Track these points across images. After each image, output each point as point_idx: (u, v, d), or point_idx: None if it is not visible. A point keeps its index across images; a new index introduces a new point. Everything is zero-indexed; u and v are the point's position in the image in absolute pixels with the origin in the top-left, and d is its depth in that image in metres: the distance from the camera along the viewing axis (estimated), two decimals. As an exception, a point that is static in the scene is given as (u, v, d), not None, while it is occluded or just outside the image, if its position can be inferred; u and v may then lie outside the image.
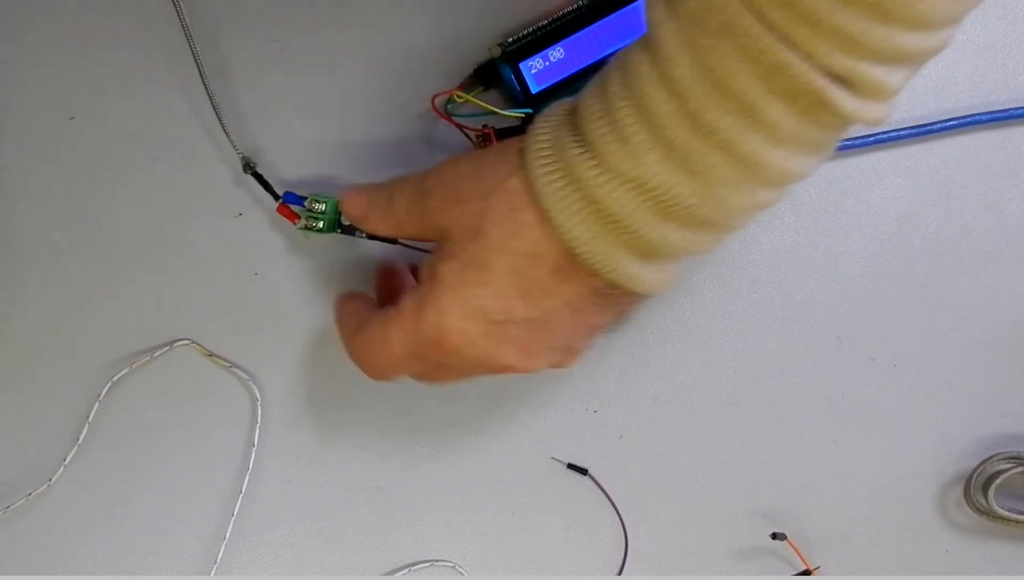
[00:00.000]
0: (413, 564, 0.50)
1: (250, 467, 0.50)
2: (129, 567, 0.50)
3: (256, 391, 0.50)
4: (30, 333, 0.49)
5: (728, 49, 0.32)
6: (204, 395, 0.50)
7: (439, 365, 0.40)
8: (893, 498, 0.50)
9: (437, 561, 0.50)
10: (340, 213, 0.47)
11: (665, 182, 0.34)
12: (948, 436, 0.50)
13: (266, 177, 0.48)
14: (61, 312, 0.49)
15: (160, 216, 0.49)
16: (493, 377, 0.40)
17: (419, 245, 0.46)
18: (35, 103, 0.49)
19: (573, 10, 0.47)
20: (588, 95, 0.37)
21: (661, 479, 0.50)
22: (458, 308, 0.37)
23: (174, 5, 0.46)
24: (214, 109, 0.47)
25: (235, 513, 0.49)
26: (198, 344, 0.49)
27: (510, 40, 0.47)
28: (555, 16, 0.47)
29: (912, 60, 0.32)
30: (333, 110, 0.49)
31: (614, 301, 0.39)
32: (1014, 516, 0.48)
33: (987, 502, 0.48)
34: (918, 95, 0.49)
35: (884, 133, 0.48)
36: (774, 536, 0.49)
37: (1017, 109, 0.48)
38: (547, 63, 0.47)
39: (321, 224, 0.47)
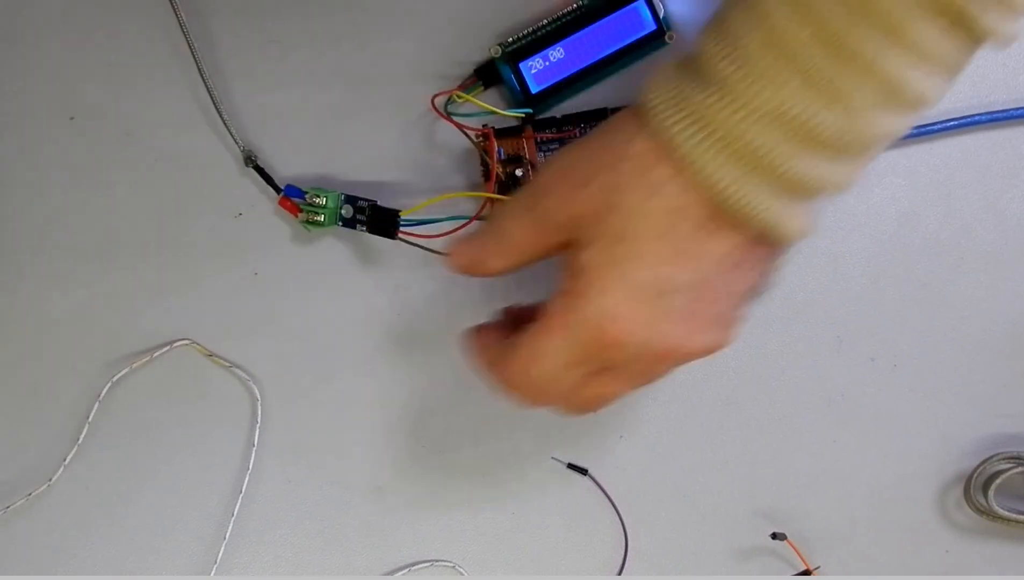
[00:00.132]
0: (413, 564, 0.50)
1: (250, 467, 0.50)
2: (129, 567, 0.50)
3: (256, 391, 0.50)
4: (30, 333, 0.49)
5: None
6: (204, 395, 0.50)
7: (600, 370, 0.37)
8: (893, 498, 0.50)
9: (437, 561, 0.50)
10: (341, 206, 0.47)
11: (807, 110, 0.33)
12: (948, 436, 0.50)
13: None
14: (61, 312, 0.49)
15: (160, 216, 0.49)
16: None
17: (423, 244, 0.46)
18: (35, 103, 0.49)
19: (573, 10, 0.47)
20: (704, 42, 0.35)
21: (661, 479, 0.50)
22: (615, 290, 0.35)
23: (171, 5, 0.46)
24: (215, 105, 0.47)
25: (235, 513, 0.49)
26: (198, 344, 0.49)
27: (510, 40, 0.47)
28: (555, 16, 0.47)
29: None
30: (333, 110, 0.49)
31: (760, 258, 0.37)
32: (1014, 516, 0.48)
33: (987, 502, 0.48)
34: (918, 95, 0.49)
35: (884, 133, 0.48)
36: (774, 536, 0.49)
37: (1017, 109, 0.48)
38: (547, 63, 0.47)
39: (322, 217, 0.47)
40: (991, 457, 0.49)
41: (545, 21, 0.47)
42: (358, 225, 0.47)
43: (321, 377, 0.50)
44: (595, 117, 0.48)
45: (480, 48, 0.48)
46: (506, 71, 0.47)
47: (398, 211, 0.46)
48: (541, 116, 0.48)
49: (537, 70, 0.47)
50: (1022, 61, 0.49)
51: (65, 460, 0.49)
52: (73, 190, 0.49)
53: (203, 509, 0.50)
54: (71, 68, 0.49)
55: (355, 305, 0.50)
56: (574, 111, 0.48)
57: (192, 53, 0.47)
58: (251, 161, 0.48)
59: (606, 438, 0.50)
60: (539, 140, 0.48)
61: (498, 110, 0.47)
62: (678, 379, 0.50)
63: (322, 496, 0.50)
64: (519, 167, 0.47)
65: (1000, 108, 0.49)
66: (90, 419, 0.49)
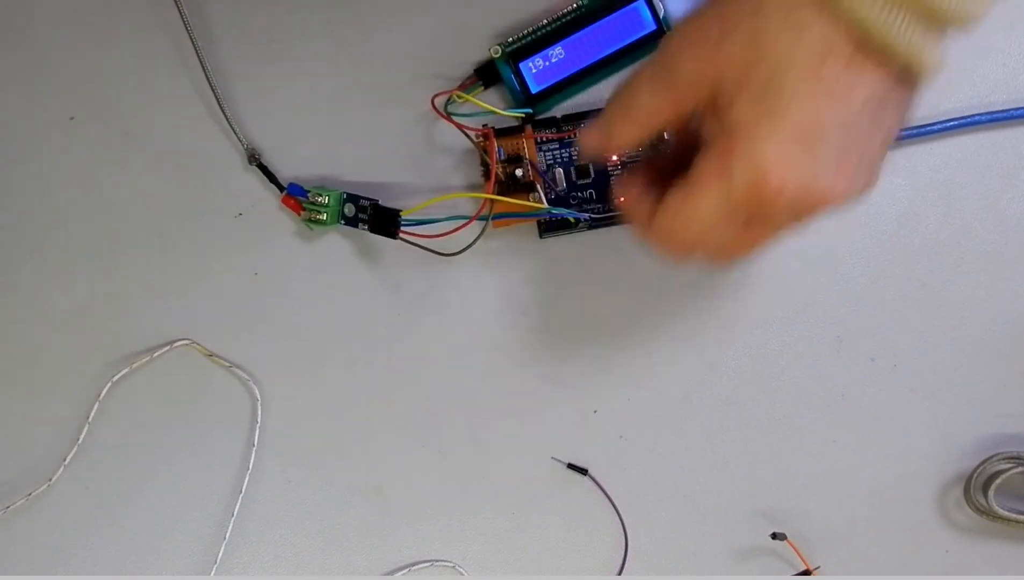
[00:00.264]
0: (413, 564, 0.50)
1: (250, 467, 0.50)
2: (129, 567, 0.50)
3: (256, 391, 0.50)
4: (30, 333, 0.49)
5: None
6: (204, 395, 0.50)
7: (750, 222, 0.37)
8: (893, 498, 0.50)
9: (437, 561, 0.50)
10: (343, 205, 0.47)
11: None
12: (948, 436, 0.50)
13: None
14: (61, 312, 0.49)
15: (160, 216, 0.49)
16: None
17: (424, 244, 0.46)
18: (35, 103, 0.49)
19: (573, 10, 0.47)
20: None
21: (661, 479, 0.50)
22: (768, 141, 0.35)
23: (177, 6, 0.46)
24: (219, 104, 0.48)
25: (235, 513, 0.49)
26: (198, 344, 0.49)
27: (510, 40, 0.47)
28: (555, 16, 0.47)
29: None
30: (333, 110, 0.49)
31: (901, 99, 0.37)
32: (1014, 516, 0.48)
33: (987, 502, 0.48)
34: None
35: (884, 133, 0.48)
36: (774, 536, 0.49)
37: (1017, 109, 0.48)
38: (547, 63, 0.47)
39: (324, 216, 0.47)
40: (991, 457, 0.49)
41: (545, 21, 0.47)
42: (360, 224, 0.47)
43: (321, 377, 0.50)
44: (595, 117, 0.48)
45: (480, 48, 0.48)
46: (506, 71, 0.48)
47: (399, 211, 0.46)
48: (541, 116, 0.48)
49: (537, 70, 0.47)
50: (1022, 61, 0.49)
51: (65, 460, 0.49)
52: (73, 190, 0.49)
53: (203, 509, 0.50)
54: (71, 68, 0.49)
55: (355, 305, 0.50)
56: (574, 111, 0.48)
57: (196, 53, 0.47)
58: (255, 159, 0.48)
59: (606, 438, 0.50)
60: (539, 140, 0.48)
61: (498, 110, 0.47)
62: (678, 379, 0.50)
63: (322, 496, 0.50)
64: (519, 167, 0.47)
65: (1000, 108, 0.49)
66: (90, 419, 0.49)
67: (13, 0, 0.49)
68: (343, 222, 0.47)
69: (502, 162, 0.47)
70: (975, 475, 0.49)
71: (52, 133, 0.49)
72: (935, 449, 0.50)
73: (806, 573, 0.49)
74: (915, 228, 0.49)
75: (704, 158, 0.37)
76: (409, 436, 0.50)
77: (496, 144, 0.47)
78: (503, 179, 0.47)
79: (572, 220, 0.48)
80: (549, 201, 0.48)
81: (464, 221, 0.46)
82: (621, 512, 0.50)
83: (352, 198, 0.47)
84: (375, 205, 0.46)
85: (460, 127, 0.47)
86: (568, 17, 0.47)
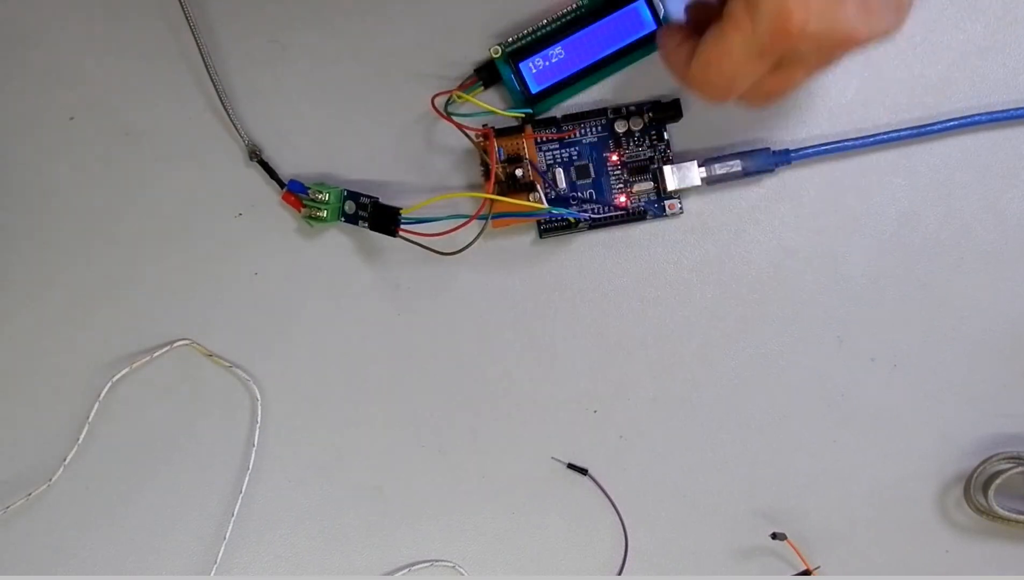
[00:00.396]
0: (413, 564, 0.50)
1: (250, 467, 0.50)
2: (129, 567, 0.50)
3: (256, 391, 0.50)
4: (30, 333, 0.49)
5: None
6: (204, 395, 0.50)
7: (780, 63, 0.39)
8: (893, 498, 0.50)
9: (437, 561, 0.50)
10: (343, 202, 0.47)
11: None
12: (948, 436, 0.50)
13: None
14: (61, 312, 0.49)
15: (160, 216, 0.49)
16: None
17: (424, 243, 0.46)
18: (35, 103, 0.49)
19: (573, 10, 0.47)
20: None
21: (661, 479, 0.50)
22: None
23: (181, 7, 0.47)
24: (221, 101, 0.48)
25: (235, 513, 0.49)
26: (198, 344, 0.49)
27: (510, 40, 0.47)
28: (555, 16, 0.47)
29: None
30: (333, 111, 0.49)
31: None
32: (1014, 516, 0.48)
33: (987, 502, 0.48)
34: (918, 95, 0.49)
35: (884, 133, 0.48)
36: (774, 536, 0.49)
37: (1017, 109, 0.48)
38: (547, 63, 0.47)
39: (325, 213, 0.47)
40: (991, 457, 0.49)
41: (545, 21, 0.47)
42: (360, 221, 0.47)
43: (321, 377, 0.50)
44: (595, 117, 0.48)
45: (480, 48, 0.48)
46: (506, 71, 0.48)
47: (399, 209, 0.46)
48: (541, 116, 0.48)
49: (537, 70, 0.47)
50: (1022, 61, 0.49)
51: (65, 460, 0.49)
52: (73, 190, 0.49)
53: (203, 509, 0.50)
54: (71, 68, 0.49)
55: (355, 305, 0.50)
56: (574, 111, 0.48)
57: (199, 49, 0.47)
58: (255, 155, 0.48)
59: (606, 438, 0.50)
60: (539, 140, 0.48)
61: (498, 110, 0.47)
62: (678, 379, 0.50)
63: (322, 496, 0.50)
64: (519, 167, 0.47)
65: (1000, 108, 0.48)
66: (90, 419, 0.49)
67: (13, 0, 0.49)
68: (343, 219, 0.47)
69: (502, 162, 0.47)
70: (975, 475, 0.49)
71: (52, 133, 0.49)
72: (935, 449, 0.50)
73: (806, 573, 0.49)
74: (915, 228, 0.49)
75: (733, 1, 0.38)
76: (409, 436, 0.50)
77: (496, 144, 0.47)
78: (503, 179, 0.47)
79: (572, 220, 0.48)
80: (549, 201, 0.48)
81: (464, 220, 0.46)
82: (621, 512, 0.50)
83: (352, 195, 0.47)
84: (375, 203, 0.46)
85: (460, 127, 0.47)
86: (568, 17, 0.47)
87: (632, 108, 0.48)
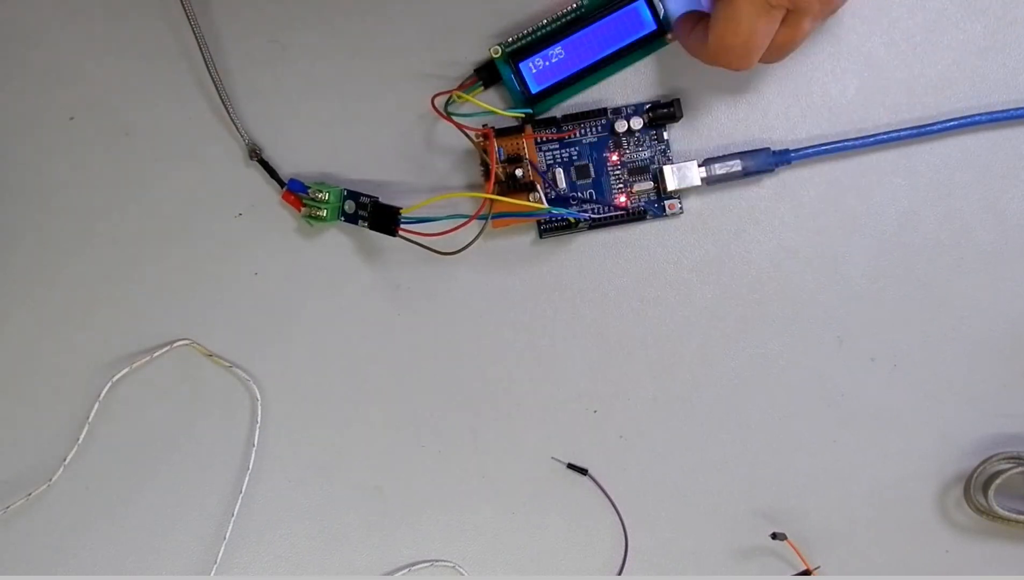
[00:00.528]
0: (413, 564, 0.50)
1: (250, 467, 0.50)
2: (129, 567, 0.50)
3: (256, 391, 0.50)
4: (30, 333, 0.49)
5: None
6: (204, 395, 0.50)
7: (787, 18, 0.41)
8: (893, 498, 0.50)
9: (437, 561, 0.50)
10: (343, 201, 0.47)
11: None
12: (948, 436, 0.50)
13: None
14: (61, 312, 0.49)
15: (160, 216, 0.49)
16: None
17: (423, 243, 0.46)
18: (35, 103, 0.49)
19: (573, 10, 0.47)
20: None
21: (661, 479, 0.50)
22: None
23: (182, 6, 0.47)
24: (221, 100, 0.48)
25: (235, 513, 0.49)
26: (198, 344, 0.49)
27: (510, 40, 0.47)
28: (555, 16, 0.47)
29: None
30: (333, 110, 0.49)
31: None
32: (1014, 516, 0.48)
33: (987, 502, 0.48)
34: (918, 95, 0.49)
35: (884, 133, 0.48)
36: (774, 536, 0.49)
37: (1017, 109, 0.48)
38: (547, 63, 0.47)
39: (325, 212, 0.47)
40: (991, 457, 0.49)
41: (545, 21, 0.47)
42: (360, 221, 0.47)
43: (321, 377, 0.50)
44: (595, 117, 0.48)
45: (480, 48, 0.48)
46: (506, 71, 0.48)
47: (399, 208, 0.46)
48: (541, 116, 0.48)
49: (537, 70, 0.47)
50: (1022, 61, 0.49)
51: (65, 460, 0.49)
52: (73, 190, 0.49)
53: (203, 509, 0.50)
54: (71, 68, 0.49)
55: (355, 305, 0.50)
56: (574, 111, 0.48)
57: (200, 49, 0.47)
58: (255, 154, 0.48)
59: (606, 438, 0.50)
60: (539, 140, 0.48)
61: (498, 110, 0.47)
62: (678, 379, 0.50)
63: (322, 496, 0.50)
64: (519, 167, 0.47)
65: (1000, 108, 0.48)
66: (90, 419, 0.49)
67: (13, 1, 0.49)
68: (343, 219, 0.47)
69: (502, 162, 0.47)
70: (975, 475, 0.49)
71: (52, 133, 0.49)
72: (935, 449, 0.50)
73: (806, 573, 0.49)
74: (915, 228, 0.49)
75: None
76: (409, 436, 0.50)
77: (496, 144, 0.47)
78: (503, 179, 0.47)
79: (572, 220, 0.48)
80: (549, 201, 0.48)
81: (464, 220, 0.46)
82: (621, 512, 0.50)
83: (352, 195, 0.47)
84: (375, 202, 0.46)
85: (460, 127, 0.47)
86: (568, 17, 0.47)
87: (632, 108, 0.48)
